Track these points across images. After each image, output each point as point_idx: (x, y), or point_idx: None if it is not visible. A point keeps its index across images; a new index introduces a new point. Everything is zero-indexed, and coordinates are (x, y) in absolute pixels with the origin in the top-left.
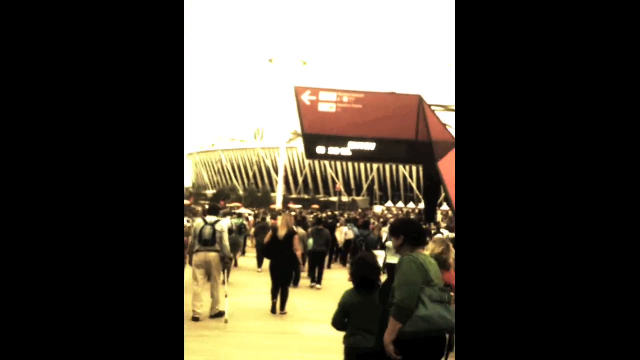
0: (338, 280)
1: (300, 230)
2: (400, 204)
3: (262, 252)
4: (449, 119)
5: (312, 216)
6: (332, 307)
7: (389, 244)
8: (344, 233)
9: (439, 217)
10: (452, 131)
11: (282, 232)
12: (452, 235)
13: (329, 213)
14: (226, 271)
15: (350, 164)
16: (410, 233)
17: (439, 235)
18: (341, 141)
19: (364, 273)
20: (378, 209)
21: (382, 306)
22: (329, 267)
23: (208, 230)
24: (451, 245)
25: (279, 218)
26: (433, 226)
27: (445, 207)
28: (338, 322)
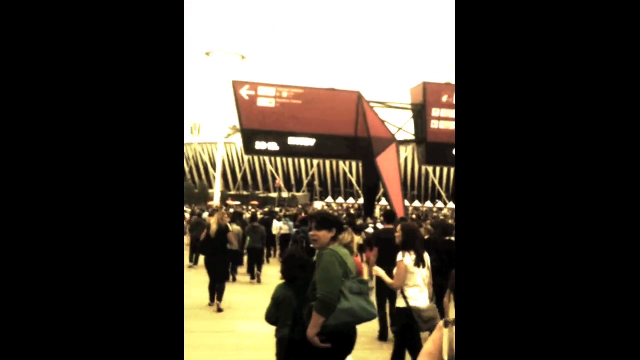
0: (276, 276)
1: (234, 227)
2: (340, 200)
3: (197, 249)
4: (387, 116)
5: (250, 213)
6: (268, 303)
7: None
8: (278, 228)
9: (377, 212)
10: (391, 127)
11: (213, 229)
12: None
13: (266, 209)
14: None
15: (290, 160)
16: (341, 226)
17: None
18: (280, 136)
19: (293, 267)
20: (318, 204)
21: (298, 297)
22: (267, 262)
23: None
24: (351, 231)
25: (215, 215)
26: (369, 220)
27: (383, 202)
28: (272, 317)
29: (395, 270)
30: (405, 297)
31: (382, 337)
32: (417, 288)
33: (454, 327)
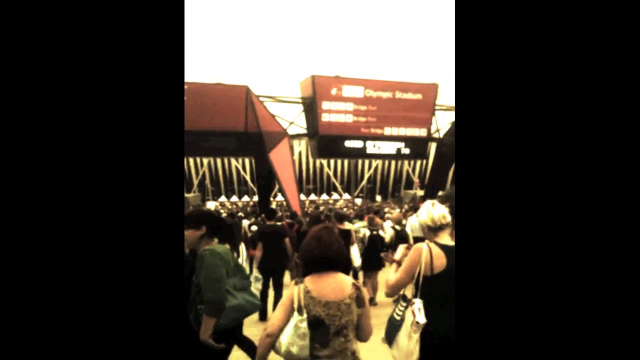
0: None
1: None
2: (235, 198)
3: None
4: (277, 110)
5: None
6: None
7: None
8: None
9: (274, 207)
10: (282, 122)
11: None
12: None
13: None
14: None
15: None
16: (213, 223)
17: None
18: None
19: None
20: (211, 204)
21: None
22: None
23: None
24: None
25: None
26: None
27: (280, 197)
28: None
29: None
30: None
31: (263, 317)
32: None
33: (301, 284)
